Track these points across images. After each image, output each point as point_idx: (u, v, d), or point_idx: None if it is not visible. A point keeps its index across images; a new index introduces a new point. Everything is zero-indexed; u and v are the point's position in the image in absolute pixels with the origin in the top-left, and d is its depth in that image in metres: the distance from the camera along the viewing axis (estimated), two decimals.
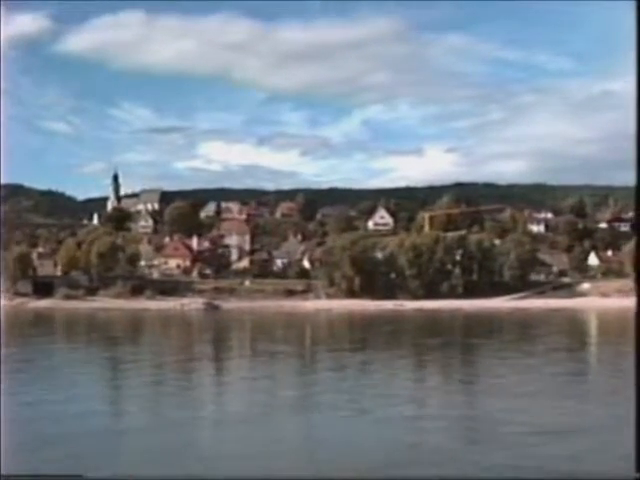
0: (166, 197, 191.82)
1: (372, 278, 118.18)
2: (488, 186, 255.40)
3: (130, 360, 49.35)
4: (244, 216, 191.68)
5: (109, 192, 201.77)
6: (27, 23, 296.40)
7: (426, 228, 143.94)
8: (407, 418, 28.33)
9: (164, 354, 55.23)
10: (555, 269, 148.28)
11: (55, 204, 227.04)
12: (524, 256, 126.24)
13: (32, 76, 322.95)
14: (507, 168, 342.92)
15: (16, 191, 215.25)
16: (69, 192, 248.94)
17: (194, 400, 32.99)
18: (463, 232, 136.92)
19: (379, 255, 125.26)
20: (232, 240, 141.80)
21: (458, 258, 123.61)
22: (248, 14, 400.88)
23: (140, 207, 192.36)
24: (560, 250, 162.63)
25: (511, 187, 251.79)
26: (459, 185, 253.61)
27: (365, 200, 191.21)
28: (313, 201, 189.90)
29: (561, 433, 25.45)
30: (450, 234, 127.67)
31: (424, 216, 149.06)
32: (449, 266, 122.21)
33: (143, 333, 78.63)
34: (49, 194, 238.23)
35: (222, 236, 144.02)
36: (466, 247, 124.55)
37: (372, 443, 24.13)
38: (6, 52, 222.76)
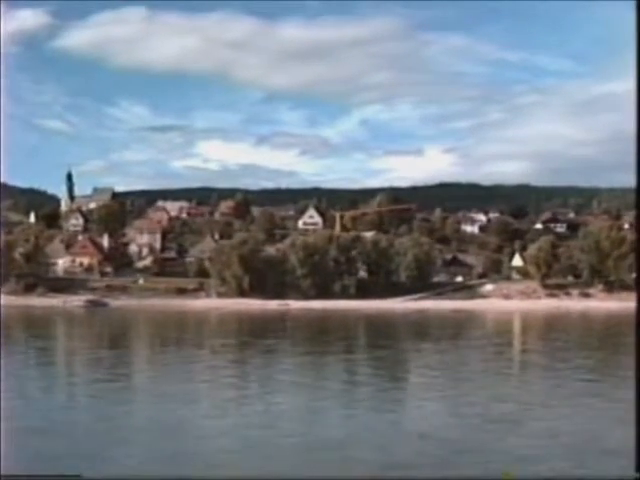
0: (118, 196, 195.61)
1: (263, 277, 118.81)
2: (472, 187, 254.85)
3: None
4: (184, 215, 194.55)
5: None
6: (26, 19, 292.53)
7: (337, 228, 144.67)
8: None
9: None
10: (479, 270, 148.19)
11: (35, 202, 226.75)
12: (421, 256, 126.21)
13: (30, 73, 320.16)
14: (504, 169, 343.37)
15: None
16: (55, 191, 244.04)
17: None
18: (370, 233, 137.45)
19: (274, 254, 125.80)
20: (142, 239, 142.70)
21: (353, 258, 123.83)
22: (249, 12, 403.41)
23: (92, 206, 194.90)
24: (490, 251, 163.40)
25: (495, 188, 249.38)
26: (442, 186, 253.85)
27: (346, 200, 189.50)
28: (247, 200, 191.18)
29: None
30: (345, 234, 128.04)
31: (335, 215, 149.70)
32: (343, 266, 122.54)
33: None
34: (29, 192, 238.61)
35: (124, 234, 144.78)
36: (362, 247, 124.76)
37: None
38: (4, 48, 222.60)
